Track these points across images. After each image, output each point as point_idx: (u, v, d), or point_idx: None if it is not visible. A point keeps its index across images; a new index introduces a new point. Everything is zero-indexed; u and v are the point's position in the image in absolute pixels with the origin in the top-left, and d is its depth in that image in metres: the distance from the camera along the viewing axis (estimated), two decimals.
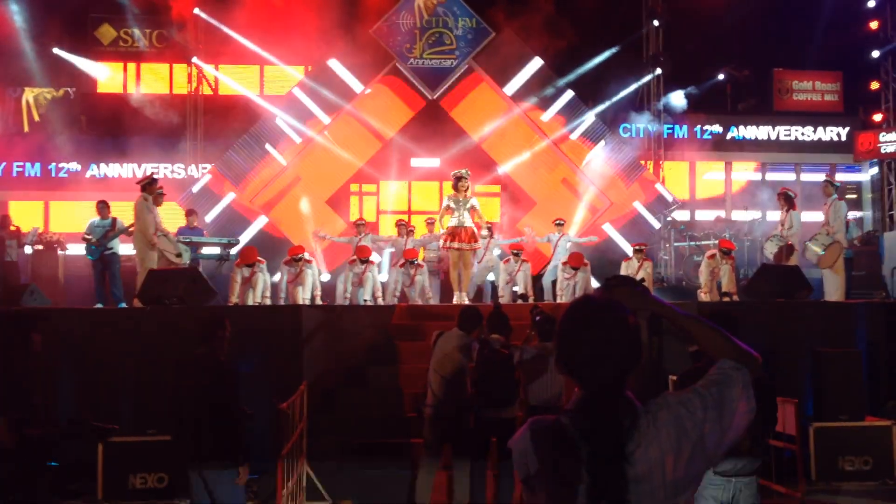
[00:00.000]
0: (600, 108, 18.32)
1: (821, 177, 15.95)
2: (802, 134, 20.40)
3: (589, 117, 18.03)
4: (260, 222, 17.26)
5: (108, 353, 9.23)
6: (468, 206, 11.95)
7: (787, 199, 12.74)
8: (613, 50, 18.35)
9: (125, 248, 13.05)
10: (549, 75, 18.02)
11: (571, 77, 18.21)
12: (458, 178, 12.01)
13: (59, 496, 8.37)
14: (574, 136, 17.98)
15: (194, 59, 18.10)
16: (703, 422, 2.08)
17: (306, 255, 13.57)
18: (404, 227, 14.98)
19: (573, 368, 2.17)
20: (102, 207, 12.62)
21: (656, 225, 17.65)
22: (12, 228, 15.02)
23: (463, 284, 12.08)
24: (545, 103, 18.02)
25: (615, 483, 2.02)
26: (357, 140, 17.99)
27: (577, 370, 2.16)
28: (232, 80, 18.74)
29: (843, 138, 20.40)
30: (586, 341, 2.15)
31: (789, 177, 20.17)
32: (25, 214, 18.01)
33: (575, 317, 2.22)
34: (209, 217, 16.72)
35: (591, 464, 2.03)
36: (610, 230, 17.60)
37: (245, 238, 16.58)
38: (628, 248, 16.64)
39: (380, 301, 13.27)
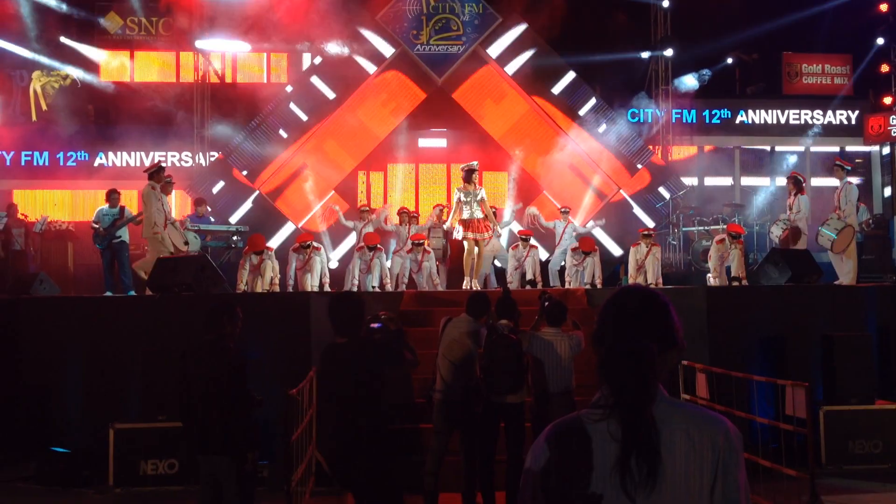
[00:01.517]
0: (608, 92, 18.22)
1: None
2: (812, 117, 20.27)
3: (597, 102, 17.95)
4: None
5: (117, 340, 9.27)
6: (478, 198, 12.08)
7: (795, 183, 12.69)
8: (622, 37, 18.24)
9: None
10: (556, 60, 17.93)
11: (579, 61, 18.08)
12: (471, 171, 12.12)
13: (69, 483, 8.43)
14: (581, 121, 17.90)
15: (200, 47, 18.05)
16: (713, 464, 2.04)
17: (315, 243, 13.61)
18: (406, 216, 14.98)
19: (612, 355, 2.09)
20: (112, 195, 12.63)
21: (658, 211, 17.54)
22: (20, 217, 15.07)
23: (475, 271, 12.24)
24: (552, 89, 17.94)
25: (649, 465, 1.99)
26: (364, 127, 17.95)
27: (617, 356, 2.09)
28: (238, 68, 18.77)
29: (853, 121, 20.26)
30: (631, 327, 2.09)
31: (798, 160, 20.06)
32: (34, 203, 18.07)
33: (620, 303, 2.17)
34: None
35: (624, 450, 2.01)
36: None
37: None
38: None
39: (388, 287, 13.29)
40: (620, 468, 2.00)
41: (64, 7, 17.97)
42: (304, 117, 17.55)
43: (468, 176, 12.14)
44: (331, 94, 17.60)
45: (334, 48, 17.33)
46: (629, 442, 2.01)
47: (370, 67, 17.66)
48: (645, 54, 18.78)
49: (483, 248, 12.43)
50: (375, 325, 6.10)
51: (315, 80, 17.72)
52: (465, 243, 12.28)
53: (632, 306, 2.14)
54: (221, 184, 17.26)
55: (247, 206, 17.26)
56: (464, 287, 12.20)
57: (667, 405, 2.07)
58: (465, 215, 12.10)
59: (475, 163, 12.58)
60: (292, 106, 17.59)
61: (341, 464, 5.36)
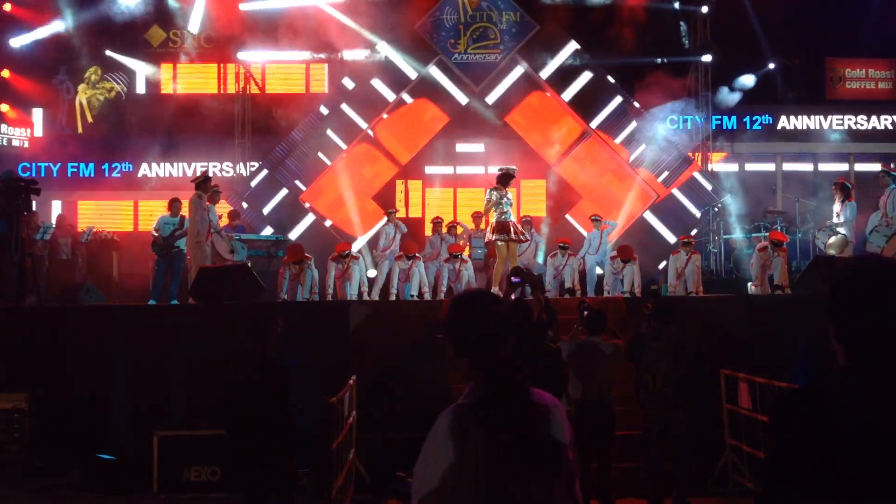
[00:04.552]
0: (647, 99, 18.03)
1: (875, 166, 15.58)
2: (856, 123, 19.91)
3: (634, 109, 17.82)
4: (310, 217, 17.36)
5: (161, 348, 9.42)
6: (511, 202, 11.87)
7: (843, 190, 12.47)
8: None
9: None
10: (593, 65, 17.85)
11: (616, 66, 17.95)
12: (510, 176, 11.93)
13: (113, 490, 8.56)
14: (619, 128, 17.78)
15: (241, 59, 18.28)
16: None
17: (353, 252, 13.70)
18: (440, 226, 14.97)
19: (468, 351, 2.49)
20: (174, 204, 12.77)
21: (698, 215, 17.32)
22: (67, 228, 15.39)
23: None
24: (590, 96, 17.86)
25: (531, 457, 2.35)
26: (402, 138, 18.06)
27: (473, 352, 2.48)
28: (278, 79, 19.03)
29: None
30: (474, 326, 2.48)
31: (842, 167, 19.69)
32: (79, 214, 18.42)
33: (460, 306, 2.58)
34: (267, 208, 16.99)
35: (509, 442, 2.34)
36: (652, 219, 17.38)
37: (297, 232, 16.79)
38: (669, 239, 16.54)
39: (426, 296, 13.32)
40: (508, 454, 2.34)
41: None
42: (343, 127, 17.68)
43: (506, 179, 11.83)
44: (369, 105, 17.71)
45: (374, 58, 17.46)
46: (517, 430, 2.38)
47: (409, 78, 17.74)
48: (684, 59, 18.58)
49: (516, 253, 12.14)
50: (516, 280, 6.85)
51: (353, 91, 17.86)
52: (498, 248, 11.86)
53: (478, 309, 2.53)
54: (260, 178, 17.44)
55: (277, 199, 17.38)
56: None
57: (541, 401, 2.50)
58: (500, 218, 11.78)
59: (514, 168, 12.34)
60: (333, 117, 17.74)
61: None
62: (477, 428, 2.34)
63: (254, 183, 17.44)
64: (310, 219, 17.26)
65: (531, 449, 2.35)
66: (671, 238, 16.72)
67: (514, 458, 2.32)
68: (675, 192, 17.46)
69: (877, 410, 1.96)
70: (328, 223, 17.33)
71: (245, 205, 16.89)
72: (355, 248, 15.29)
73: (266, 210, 16.96)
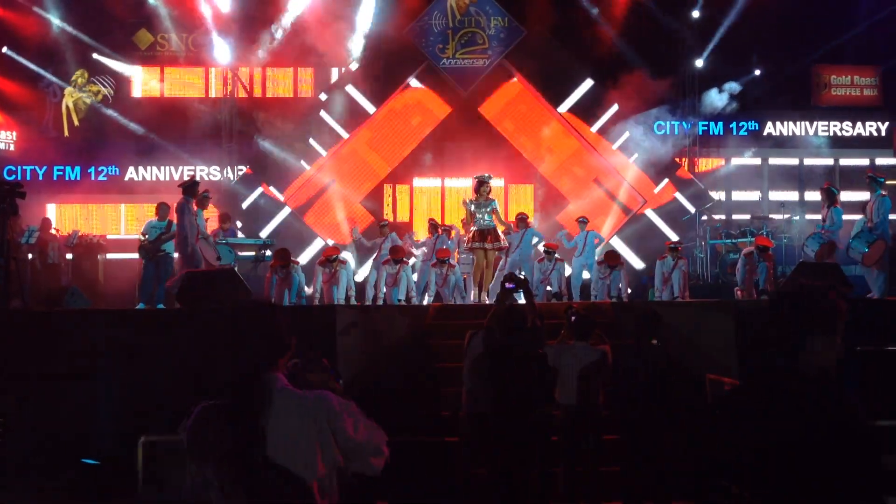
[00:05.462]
0: (633, 104, 18.14)
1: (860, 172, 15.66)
2: (841, 129, 20.06)
3: (622, 114, 17.89)
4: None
5: (147, 352, 9.36)
6: (489, 208, 11.91)
7: (829, 195, 12.51)
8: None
9: None
10: (583, 72, 17.91)
11: (603, 71, 18.03)
12: (482, 183, 12.00)
13: (100, 494, 8.50)
14: (608, 133, 17.85)
15: (229, 63, 18.25)
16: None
17: (341, 256, 13.68)
18: (436, 227, 15.01)
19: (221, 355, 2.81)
20: (162, 209, 12.72)
21: (684, 224, 17.40)
22: (53, 231, 15.29)
23: (485, 284, 12.03)
24: (579, 102, 17.93)
25: (253, 451, 2.64)
26: (390, 142, 18.06)
27: (224, 356, 2.82)
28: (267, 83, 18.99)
29: (883, 133, 20.03)
30: (225, 340, 2.82)
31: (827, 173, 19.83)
32: (66, 218, 18.33)
33: (225, 322, 2.91)
34: (265, 232, 16.93)
35: (233, 433, 2.65)
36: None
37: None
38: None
39: (414, 301, 13.31)
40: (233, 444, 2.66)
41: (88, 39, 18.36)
42: (331, 131, 17.68)
43: (479, 186, 11.96)
44: (357, 110, 17.72)
45: (357, 69, 17.50)
46: (240, 424, 2.71)
47: (398, 83, 17.75)
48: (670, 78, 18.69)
49: (493, 261, 12.18)
50: (510, 286, 6.90)
51: (340, 96, 17.85)
52: (474, 255, 12.04)
53: (233, 326, 2.82)
54: (251, 199, 17.45)
55: (277, 221, 17.43)
56: (472, 299, 12.08)
57: (280, 391, 2.76)
58: (477, 226, 11.90)
59: (487, 174, 12.42)
60: (321, 120, 17.75)
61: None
62: (216, 426, 2.70)
63: (245, 205, 17.39)
64: (319, 244, 17.15)
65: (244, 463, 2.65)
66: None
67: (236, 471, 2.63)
68: (652, 214, 17.59)
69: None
70: (331, 242, 17.30)
71: (239, 223, 16.76)
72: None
73: (264, 234, 16.82)
